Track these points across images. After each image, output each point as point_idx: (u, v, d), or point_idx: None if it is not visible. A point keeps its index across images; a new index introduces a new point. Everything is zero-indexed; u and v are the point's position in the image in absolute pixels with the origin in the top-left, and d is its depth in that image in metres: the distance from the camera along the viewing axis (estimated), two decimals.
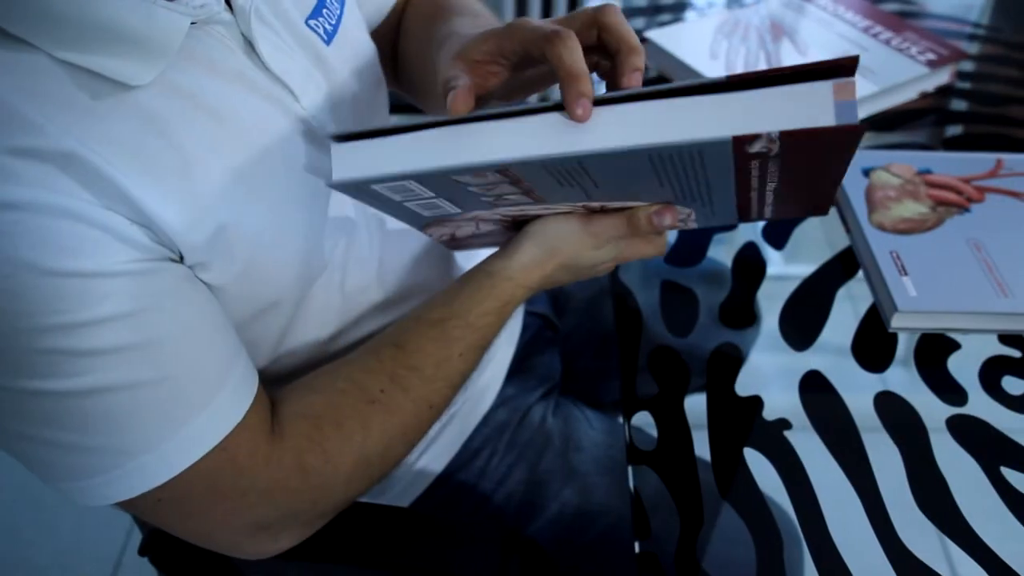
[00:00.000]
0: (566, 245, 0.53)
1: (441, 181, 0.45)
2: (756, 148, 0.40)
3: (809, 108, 0.38)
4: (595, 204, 0.51)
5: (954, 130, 0.85)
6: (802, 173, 0.46)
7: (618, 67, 0.46)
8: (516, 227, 0.57)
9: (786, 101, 0.39)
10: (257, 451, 0.48)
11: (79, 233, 0.39)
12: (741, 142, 0.39)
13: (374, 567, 0.59)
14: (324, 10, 0.55)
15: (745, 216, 0.56)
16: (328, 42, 0.55)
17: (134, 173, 0.41)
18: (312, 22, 0.53)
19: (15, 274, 0.37)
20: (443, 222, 0.55)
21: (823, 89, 0.38)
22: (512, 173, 0.44)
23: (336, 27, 0.56)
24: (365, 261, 0.59)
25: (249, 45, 0.48)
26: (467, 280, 0.56)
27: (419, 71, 0.67)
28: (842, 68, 0.38)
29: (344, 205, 0.56)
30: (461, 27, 0.56)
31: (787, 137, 0.38)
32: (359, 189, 0.46)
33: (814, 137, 0.38)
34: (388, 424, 0.53)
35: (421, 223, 0.55)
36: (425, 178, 0.44)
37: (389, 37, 0.70)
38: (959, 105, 0.88)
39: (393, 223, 0.60)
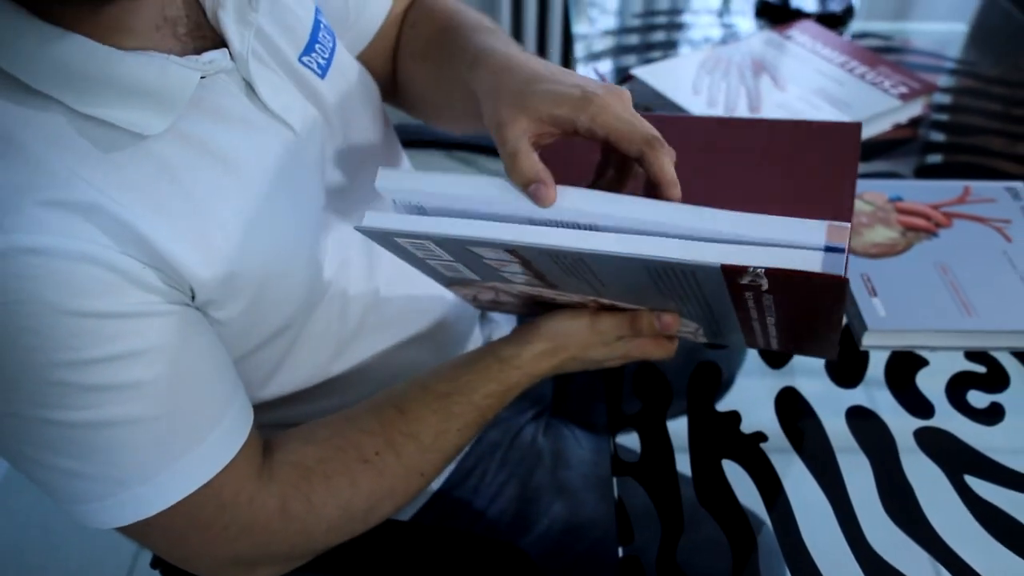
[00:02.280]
0: (574, 340, 0.57)
1: (458, 248, 0.48)
2: (746, 280, 0.41)
3: (800, 253, 0.39)
4: (606, 301, 0.55)
5: (926, 159, 0.89)
6: (797, 313, 0.47)
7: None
8: (536, 305, 0.60)
9: (779, 233, 0.40)
10: (242, 490, 0.51)
11: (96, 276, 0.42)
12: (731, 272, 0.40)
13: None
14: (316, 45, 0.58)
15: (752, 343, 0.59)
16: (323, 76, 0.58)
17: (149, 216, 0.44)
18: (305, 59, 0.57)
19: (38, 313, 0.40)
20: (465, 284, 0.58)
21: (817, 228, 0.39)
22: (520, 255, 0.47)
23: (329, 60, 0.59)
24: (363, 288, 0.63)
25: (250, 88, 0.51)
26: (477, 359, 0.59)
27: (431, 88, 0.68)
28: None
29: (343, 235, 0.60)
30: (494, 44, 0.56)
31: (773, 274, 0.40)
32: (384, 239, 0.49)
33: (798, 280, 0.39)
34: (377, 485, 0.56)
35: (444, 281, 0.59)
36: (443, 242, 0.47)
37: (385, 55, 0.71)
38: (931, 136, 0.92)
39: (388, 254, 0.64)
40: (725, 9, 1.20)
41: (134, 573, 1.36)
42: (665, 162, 0.46)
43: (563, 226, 0.46)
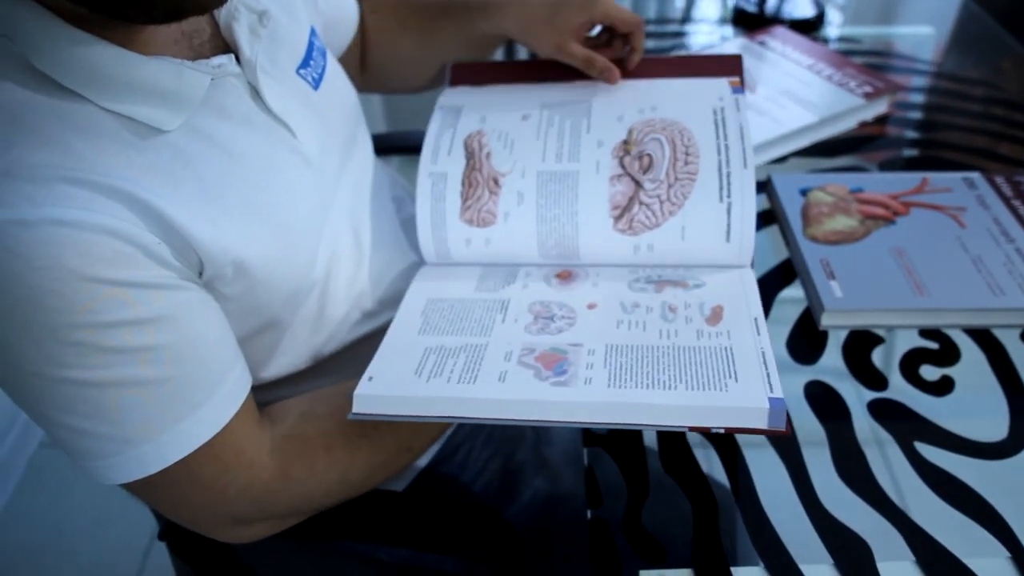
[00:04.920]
0: None
1: None
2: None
3: (748, 414, 0.49)
4: None
5: (891, 155, 0.93)
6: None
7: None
8: None
9: (732, 404, 0.50)
10: (242, 452, 0.55)
11: (116, 248, 0.46)
12: (696, 429, 0.50)
13: (371, 542, 0.66)
14: (311, 61, 0.64)
15: None
16: (316, 88, 0.64)
17: (166, 196, 0.49)
18: (302, 71, 0.63)
19: (62, 278, 0.45)
20: None
21: (762, 409, 0.49)
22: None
23: (322, 76, 0.65)
24: (355, 273, 0.67)
25: (254, 91, 0.57)
26: None
27: (421, 50, 0.83)
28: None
29: (335, 228, 0.65)
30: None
31: (729, 430, 0.50)
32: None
33: (749, 432, 0.50)
34: (374, 457, 0.62)
35: None
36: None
37: (355, 50, 0.84)
38: (904, 132, 0.97)
39: (379, 239, 0.70)
40: (723, 18, 1.25)
41: (144, 572, 1.41)
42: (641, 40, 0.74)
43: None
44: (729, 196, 0.63)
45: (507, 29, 0.75)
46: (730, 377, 0.51)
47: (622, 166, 0.65)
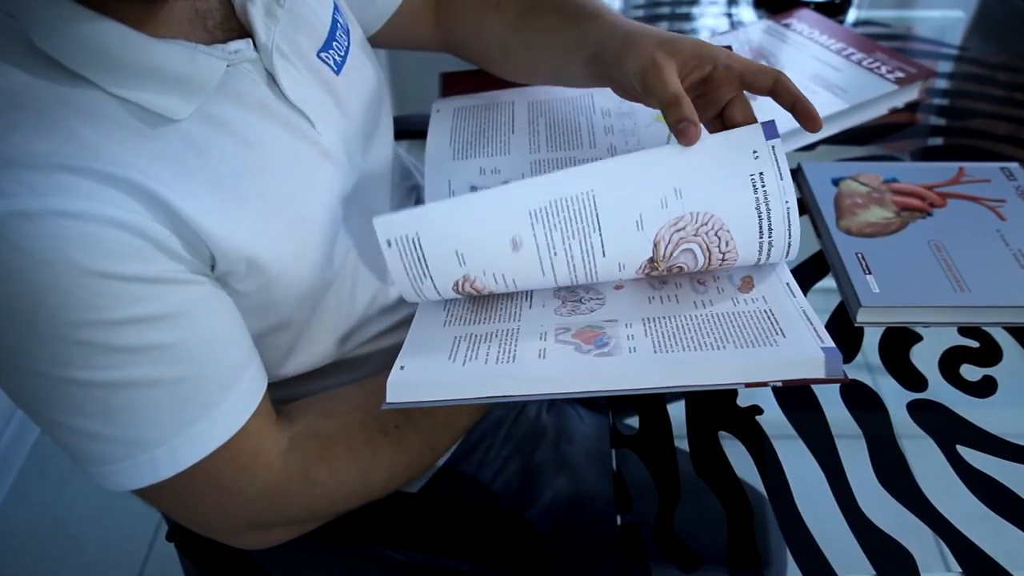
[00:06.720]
0: None
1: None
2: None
3: (805, 365, 0.48)
4: None
5: (923, 143, 0.90)
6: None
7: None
8: None
9: (787, 356, 0.48)
10: (260, 454, 0.53)
11: (124, 241, 0.44)
12: (752, 385, 0.49)
13: (384, 546, 0.64)
14: (333, 43, 0.61)
15: None
16: (338, 72, 0.61)
17: (176, 185, 0.46)
18: (323, 55, 0.60)
19: (66, 273, 0.42)
20: None
21: (818, 358, 0.48)
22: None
23: (344, 58, 0.62)
24: (372, 269, 0.65)
25: (271, 78, 0.54)
26: None
27: (510, 35, 0.70)
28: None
29: (353, 220, 0.62)
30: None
31: (787, 383, 0.48)
32: None
33: (808, 383, 0.48)
34: (396, 456, 0.59)
35: None
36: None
37: (418, 13, 0.77)
38: (928, 119, 0.94)
39: None
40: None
41: (149, 562, 1.39)
42: (797, 88, 0.53)
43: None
44: (768, 259, 0.56)
45: (605, 35, 0.59)
46: (777, 334, 0.50)
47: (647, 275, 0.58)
